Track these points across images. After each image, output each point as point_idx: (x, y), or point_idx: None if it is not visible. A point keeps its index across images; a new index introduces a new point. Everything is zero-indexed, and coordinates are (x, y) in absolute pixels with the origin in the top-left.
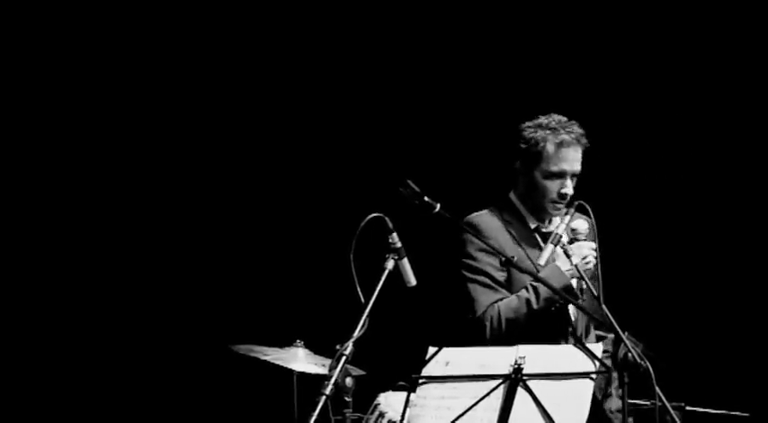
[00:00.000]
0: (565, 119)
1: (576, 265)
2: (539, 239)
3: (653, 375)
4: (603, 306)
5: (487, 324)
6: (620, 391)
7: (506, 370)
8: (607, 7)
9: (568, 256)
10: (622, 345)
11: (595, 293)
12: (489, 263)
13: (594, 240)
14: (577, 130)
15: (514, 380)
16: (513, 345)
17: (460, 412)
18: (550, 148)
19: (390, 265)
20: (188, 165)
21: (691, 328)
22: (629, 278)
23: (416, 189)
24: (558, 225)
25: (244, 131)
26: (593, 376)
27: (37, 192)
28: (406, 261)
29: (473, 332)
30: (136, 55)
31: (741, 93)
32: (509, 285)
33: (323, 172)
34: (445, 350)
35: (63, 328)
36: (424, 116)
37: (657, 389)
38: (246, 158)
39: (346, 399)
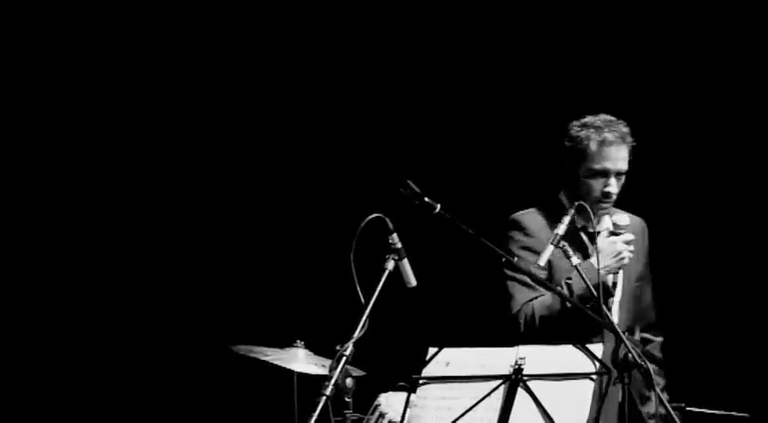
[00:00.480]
0: (611, 118)
1: (607, 264)
2: (584, 239)
3: (653, 375)
4: (603, 307)
5: (521, 321)
6: (661, 394)
7: (507, 370)
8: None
9: (568, 257)
10: (623, 345)
11: (594, 293)
12: (531, 261)
13: (594, 243)
14: (622, 129)
15: (515, 380)
16: (553, 343)
17: (461, 413)
18: (593, 146)
19: (390, 265)
20: (188, 165)
21: (689, 328)
22: None
23: (417, 189)
24: (559, 226)
25: (244, 132)
26: (594, 377)
27: (36, 192)
28: (406, 262)
29: (509, 329)
30: (136, 55)
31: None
32: (551, 284)
33: (323, 172)
34: (445, 351)
35: (63, 328)
36: (424, 116)
37: (657, 389)
38: (247, 159)
39: (346, 399)
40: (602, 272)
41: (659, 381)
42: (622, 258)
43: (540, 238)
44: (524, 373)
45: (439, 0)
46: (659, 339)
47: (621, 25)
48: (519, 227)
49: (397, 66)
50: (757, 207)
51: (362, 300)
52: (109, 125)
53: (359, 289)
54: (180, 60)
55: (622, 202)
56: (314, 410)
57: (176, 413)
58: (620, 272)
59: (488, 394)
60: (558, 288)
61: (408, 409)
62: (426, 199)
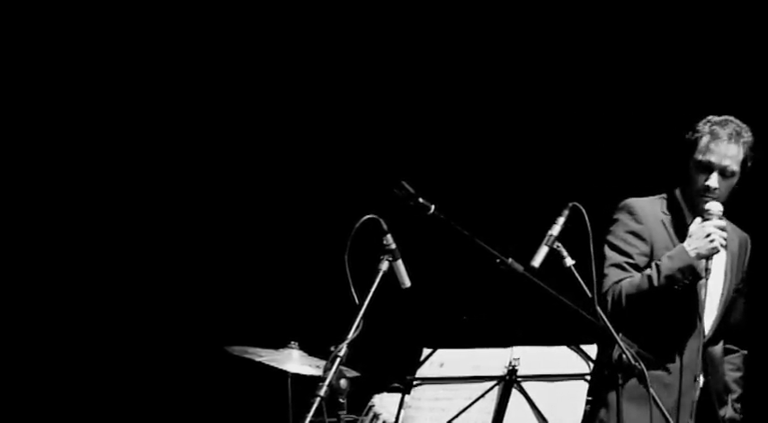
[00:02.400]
0: (734, 119)
1: (696, 246)
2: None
3: (647, 376)
4: (598, 308)
5: (609, 299)
6: (735, 404)
7: (501, 371)
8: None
9: (562, 258)
10: (617, 346)
11: (590, 295)
12: (634, 245)
13: (589, 241)
14: (737, 128)
15: (509, 381)
16: (636, 327)
17: (455, 414)
18: (704, 139)
19: (385, 266)
20: (182, 167)
21: None
22: None
23: (411, 190)
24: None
25: (239, 134)
26: (588, 378)
27: (30, 193)
28: (400, 262)
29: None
30: (132, 55)
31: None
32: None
33: (317, 174)
34: (439, 352)
35: (58, 329)
36: (418, 117)
37: (652, 391)
38: (241, 161)
39: (341, 400)
40: (692, 254)
41: (736, 389)
42: (712, 241)
43: (647, 225)
44: (518, 373)
45: (431, 1)
46: (743, 352)
47: (559, 25)
48: (630, 211)
49: (391, 67)
50: None
51: (357, 301)
52: (101, 129)
53: (353, 290)
54: (173, 65)
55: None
56: (308, 411)
57: (171, 414)
58: (720, 272)
59: (482, 395)
60: (648, 270)
61: (402, 410)
62: (421, 200)
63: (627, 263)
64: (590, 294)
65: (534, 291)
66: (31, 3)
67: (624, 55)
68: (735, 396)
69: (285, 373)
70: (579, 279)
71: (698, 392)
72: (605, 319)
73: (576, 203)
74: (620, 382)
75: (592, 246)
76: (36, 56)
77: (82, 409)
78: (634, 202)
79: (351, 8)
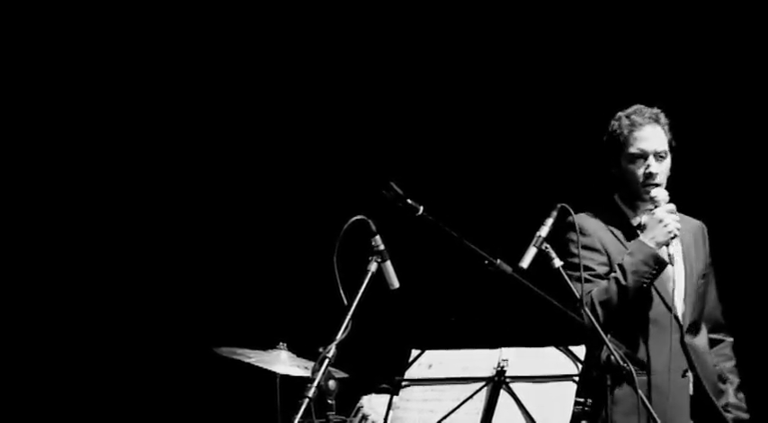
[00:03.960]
0: (640, 106)
1: (653, 235)
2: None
3: (635, 377)
4: (585, 308)
5: (583, 312)
6: (736, 393)
7: (489, 372)
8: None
9: (551, 260)
10: (605, 347)
11: (578, 296)
12: (590, 258)
13: (578, 243)
14: (651, 110)
15: (497, 382)
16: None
17: (443, 415)
18: (626, 131)
19: (373, 267)
20: (170, 168)
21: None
22: None
23: (399, 191)
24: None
25: (226, 135)
26: (576, 379)
27: (22, 194)
28: (389, 264)
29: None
30: (121, 57)
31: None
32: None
33: (306, 175)
34: (428, 353)
35: (45, 329)
36: (406, 119)
37: (640, 392)
38: (229, 161)
39: (329, 401)
40: (651, 244)
41: (734, 379)
42: (666, 225)
43: (596, 236)
44: (507, 374)
45: (418, 1)
46: (729, 339)
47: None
48: (574, 228)
49: (379, 69)
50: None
51: (345, 302)
52: (92, 133)
53: (342, 291)
54: (167, 65)
55: (683, 206)
56: (296, 412)
57: (159, 415)
58: (679, 263)
59: (471, 396)
60: (613, 273)
61: (391, 411)
62: (409, 201)
63: (590, 275)
64: (578, 295)
65: (523, 292)
66: (31, 3)
67: (610, 55)
68: (735, 385)
69: (274, 374)
70: (568, 280)
71: (690, 389)
72: (593, 320)
73: (564, 205)
74: (609, 383)
75: (579, 248)
76: (36, 56)
77: (70, 409)
78: (576, 218)
79: (337, 11)
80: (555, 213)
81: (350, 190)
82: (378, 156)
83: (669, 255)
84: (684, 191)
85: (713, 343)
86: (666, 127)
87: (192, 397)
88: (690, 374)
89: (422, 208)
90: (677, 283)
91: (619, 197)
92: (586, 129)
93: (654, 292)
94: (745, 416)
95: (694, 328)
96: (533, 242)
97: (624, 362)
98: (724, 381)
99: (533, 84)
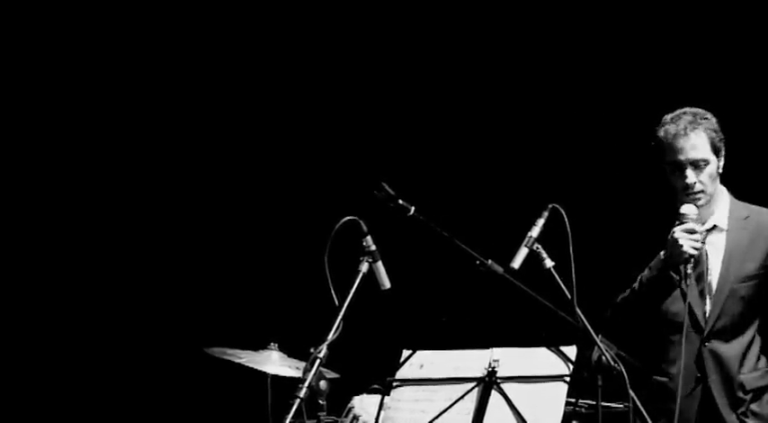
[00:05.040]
0: (686, 110)
1: (668, 255)
2: None
3: (626, 378)
4: (577, 309)
5: (605, 316)
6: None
7: (480, 373)
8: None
9: (542, 260)
10: (596, 347)
11: (569, 296)
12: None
13: (569, 242)
14: (690, 118)
15: (488, 382)
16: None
17: (435, 415)
18: (664, 142)
19: (365, 267)
20: (161, 169)
21: None
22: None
23: (391, 192)
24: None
25: (217, 138)
26: (567, 379)
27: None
28: (380, 264)
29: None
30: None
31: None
32: None
33: (297, 175)
34: (419, 353)
35: (36, 330)
36: (398, 119)
37: (631, 391)
38: (220, 161)
39: (320, 402)
40: (664, 263)
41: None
42: (681, 246)
43: None
44: (498, 375)
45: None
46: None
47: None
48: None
49: (370, 69)
50: None
51: (337, 302)
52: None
53: (333, 291)
54: (160, 66)
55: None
56: (288, 413)
57: (151, 415)
58: (715, 268)
59: (462, 396)
60: (635, 284)
61: (382, 412)
62: (401, 201)
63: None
64: (569, 296)
65: (514, 292)
66: (32, 3)
67: (602, 56)
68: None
69: (265, 374)
70: (559, 281)
71: (699, 397)
72: (585, 321)
73: (555, 205)
74: (600, 383)
75: (571, 247)
76: (36, 56)
77: (62, 408)
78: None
79: (325, 13)
80: (546, 214)
81: (341, 190)
82: (369, 156)
83: (687, 273)
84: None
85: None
86: (708, 129)
87: (184, 397)
88: (699, 385)
89: (413, 208)
90: (711, 289)
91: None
92: (578, 129)
93: (676, 299)
94: None
95: (725, 333)
96: (524, 242)
97: (615, 362)
98: (747, 390)
99: (524, 84)
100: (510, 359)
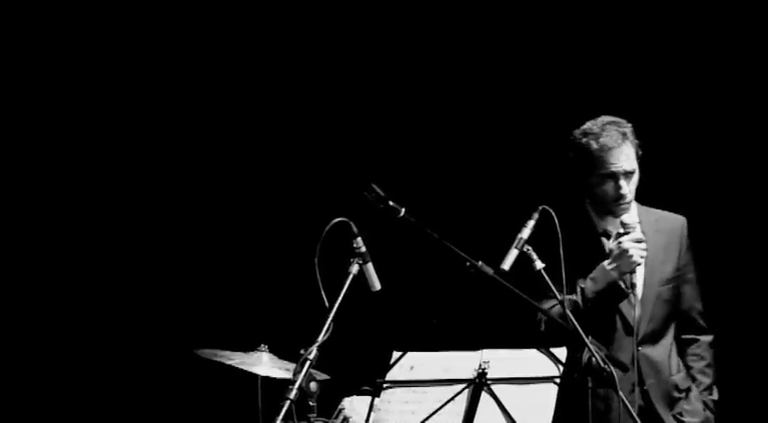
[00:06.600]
0: (610, 119)
1: (617, 265)
2: (604, 243)
3: (616, 379)
4: (568, 311)
5: (541, 329)
6: (707, 392)
7: (471, 374)
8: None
9: (533, 261)
10: (586, 349)
11: (559, 297)
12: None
13: (559, 244)
14: (620, 129)
15: (479, 384)
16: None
17: (425, 416)
18: (595, 154)
19: (355, 269)
20: (152, 171)
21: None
22: None
23: (381, 193)
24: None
25: (208, 140)
26: (557, 381)
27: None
28: (370, 265)
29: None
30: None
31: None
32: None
33: (287, 176)
34: (409, 354)
35: (27, 331)
36: (388, 120)
37: (621, 393)
38: (211, 165)
39: (311, 403)
40: (614, 273)
41: (703, 380)
42: (631, 256)
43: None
44: (488, 376)
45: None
46: (706, 338)
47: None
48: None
49: (360, 69)
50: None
51: (327, 304)
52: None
53: (323, 293)
54: (155, 67)
55: (664, 202)
56: (278, 414)
57: (142, 417)
58: (639, 273)
59: (452, 398)
60: (573, 296)
61: (372, 413)
62: (391, 203)
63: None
64: (559, 297)
65: (504, 294)
66: (32, 3)
67: (594, 57)
68: (703, 387)
69: (255, 376)
70: (549, 282)
71: (638, 401)
72: (575, 322)
73: (545, 207)
74: (589, 385)
75: (561, 249)
76: (36, 56)
77: (52, 410)
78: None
79: (316, 15)
80: (536, 215)
81: (331, 192)
82: (359, 158)
83: (632, 283)
84: (667, 186)
85: (686, 343)
86: (635, 142)
87: (174, 399)
88: (637, 389)
89: (403, 210)
90: (636, 292)
91: (590, 203)
92: (568, 131)
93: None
94: (696, 420)
95: (653, 337)
96: (514, 244)
97: (605, 364)
98: (680, 390)
99: (513, 86)
100: (500, 361)
